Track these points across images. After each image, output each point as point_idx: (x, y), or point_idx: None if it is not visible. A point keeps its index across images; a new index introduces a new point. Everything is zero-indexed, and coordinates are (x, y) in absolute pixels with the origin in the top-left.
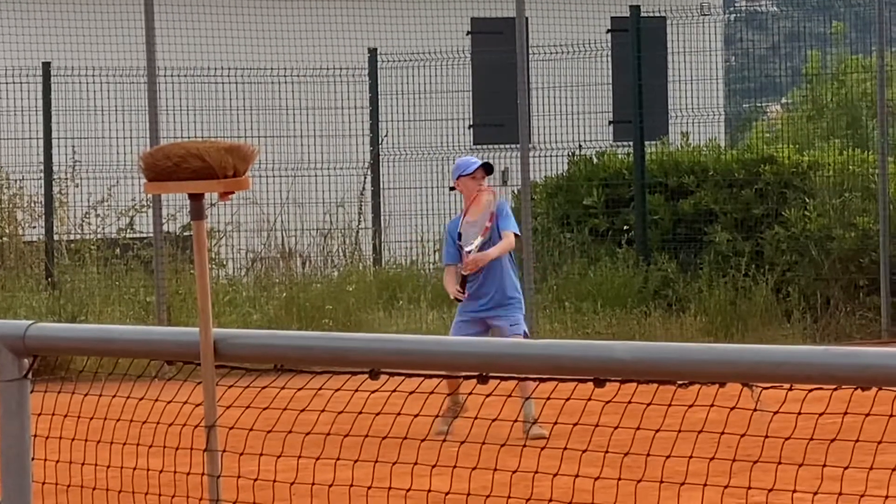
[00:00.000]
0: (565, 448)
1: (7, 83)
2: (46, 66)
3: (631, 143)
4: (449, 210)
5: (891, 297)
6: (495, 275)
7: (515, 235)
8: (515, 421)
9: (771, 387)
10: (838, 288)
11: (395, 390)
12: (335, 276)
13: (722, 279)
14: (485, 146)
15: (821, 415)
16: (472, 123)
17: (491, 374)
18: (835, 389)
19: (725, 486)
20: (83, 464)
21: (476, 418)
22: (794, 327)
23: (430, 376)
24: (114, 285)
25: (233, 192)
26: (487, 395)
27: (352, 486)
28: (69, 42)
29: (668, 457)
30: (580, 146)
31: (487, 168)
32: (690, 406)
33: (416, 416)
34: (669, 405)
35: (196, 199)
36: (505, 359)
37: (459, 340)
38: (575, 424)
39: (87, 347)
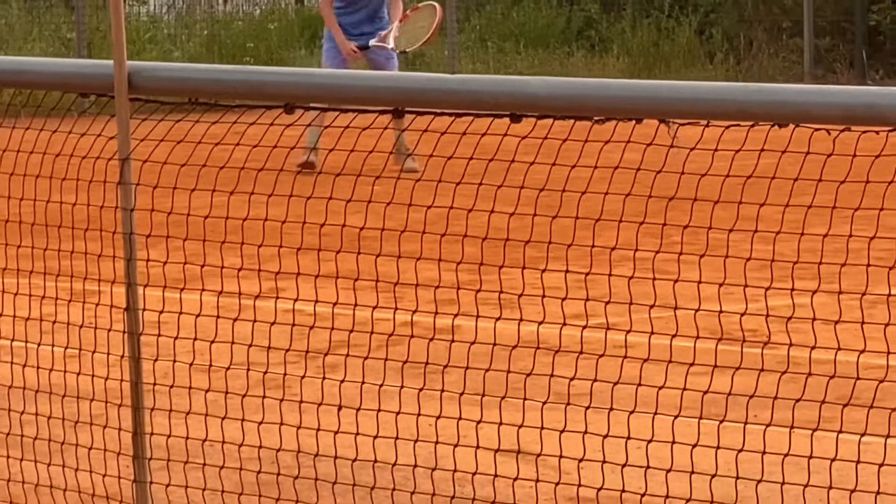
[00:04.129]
0: (480, 184)
1: None
2: None
3: None
4: None
5: (814, 38)
6: None
7: None
8: (431, 156)
9: (688, 123)
10: (761, 30)
11: (309, 125)
12: (257, 14)
13: (645, 20)
14: None
15: (737, 152)
16: None
17: (406, 109)
18: (751, 126)
19: (641, 223)
20: None
21: (391, 154)
22: (717, 69)
23: (345, 111)
24: (34, 21)
25: None
26: (402, 130)
27: (266, 220)
28: None
29: (583, 193)
30: None
31: None
32: (606, 143)
33: (330, 150)
34: (585, 142)
35: None
36: (421, 93)
37: (375, 75)
38: (490, 161)
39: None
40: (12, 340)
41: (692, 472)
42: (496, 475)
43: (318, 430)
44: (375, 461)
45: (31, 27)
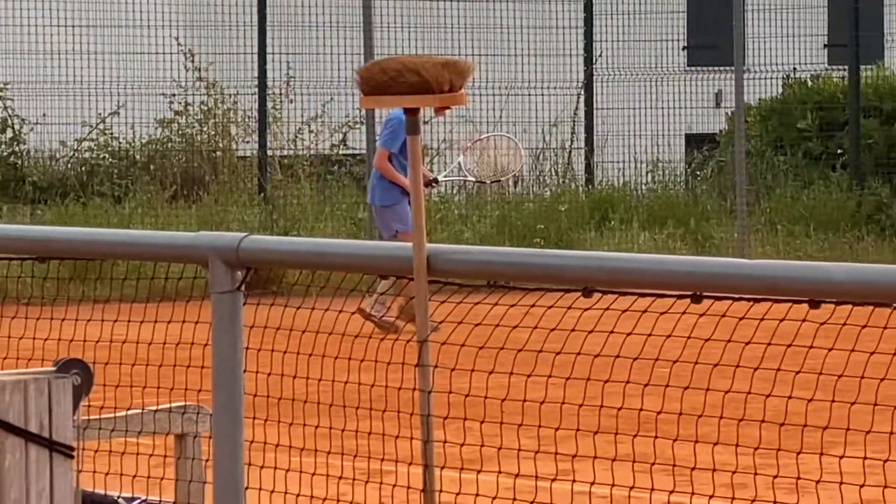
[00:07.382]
0: (778, 370)
1: None
2: None
3: (846, 67)
4: (661, 131)
5: None
6: None
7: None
8: (728, 342)
9: None
10: None
11: (607, 309)
12: (547, 195)
13: None
14: (699, 68)
15: None
16: (686, 45)
17: (704, 294)
18: None
19: None
20: (294, 377)
21: (689, 338)
22: None
23: (644, 295)
24: (326, 201)
25: (448, 108)
26: (700, 315)
27: (563, 403)
28: None
29: (882, 380)
30: (794, 69)
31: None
32: None
33: (627, 335)
34: (884, 328)
35: (411, 113)
36: (721, 279)
37: (673, 259)
38: (788, 346)
39: (300, 261)
40: None
41: None
42: None
43: None
44: None
45: (322, 207)
